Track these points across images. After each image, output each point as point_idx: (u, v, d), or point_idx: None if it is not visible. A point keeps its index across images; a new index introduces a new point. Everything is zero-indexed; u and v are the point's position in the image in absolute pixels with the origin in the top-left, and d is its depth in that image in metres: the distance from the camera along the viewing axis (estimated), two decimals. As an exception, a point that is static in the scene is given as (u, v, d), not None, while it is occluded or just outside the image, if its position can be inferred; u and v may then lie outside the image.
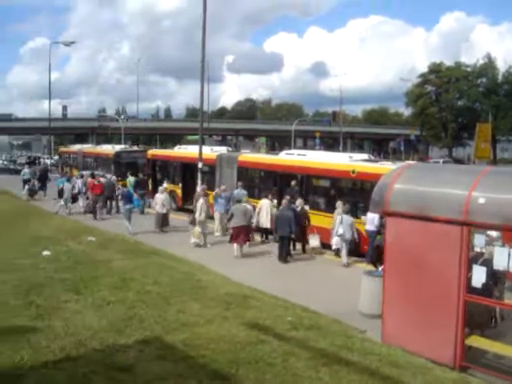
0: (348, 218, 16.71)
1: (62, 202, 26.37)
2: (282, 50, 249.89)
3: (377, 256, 13.48)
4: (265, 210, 19.47)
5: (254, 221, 19.33)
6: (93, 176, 27.96)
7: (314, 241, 18.24)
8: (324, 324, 10.14)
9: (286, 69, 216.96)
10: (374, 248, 13.70)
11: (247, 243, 18.23)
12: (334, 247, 17.28)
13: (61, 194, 26.70)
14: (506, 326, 9.54)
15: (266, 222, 19.41)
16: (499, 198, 8.47)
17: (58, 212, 25.71)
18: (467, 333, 9.03)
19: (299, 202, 18.37)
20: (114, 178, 28.51)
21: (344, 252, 16.76)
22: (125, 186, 26.42)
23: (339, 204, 17.42)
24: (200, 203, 19.46)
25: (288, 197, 18.31)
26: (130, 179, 27.69)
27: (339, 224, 16.71)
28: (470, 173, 10.04)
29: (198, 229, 19.14)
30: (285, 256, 17.02)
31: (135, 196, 24.27)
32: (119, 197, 25.65)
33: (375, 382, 7.14)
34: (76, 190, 27.91)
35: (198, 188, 22.84)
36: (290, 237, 17.31)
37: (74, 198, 27.74)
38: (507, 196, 8.42)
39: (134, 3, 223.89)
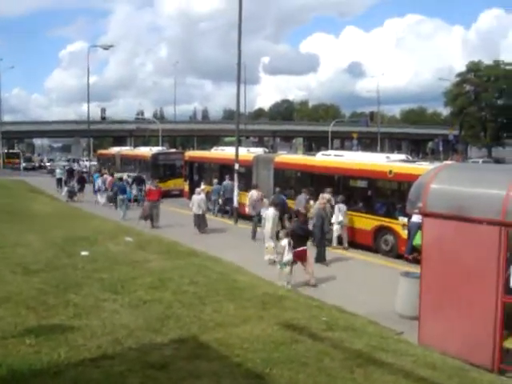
0: (344, 207, 18.93)
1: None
2: (318, 51, 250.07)
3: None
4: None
5: None
6: (111, 175, 32.10)
7: None
8: (359, 325, 10.09)
9: (323, 69, 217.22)
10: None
11: None
12: (335, 234, 18.99)
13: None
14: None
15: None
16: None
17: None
18: (506, 335, 8.88)
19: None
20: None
21: (345, 236, 19.16)
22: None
23: (324, 196, 18.68)
24: (272, 214, 17.36)
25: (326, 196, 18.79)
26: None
27: (338, 212, 18.84)
28: (508, 172, 9.89)
29: (271, 244, 16.74)
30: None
31: (128, 189, 28.25)
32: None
33: (409, 383, 7.08)
34: (96, 188, 32.30)
35: (255, 194, 21.43)
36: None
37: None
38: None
39: (170, 6, 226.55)
